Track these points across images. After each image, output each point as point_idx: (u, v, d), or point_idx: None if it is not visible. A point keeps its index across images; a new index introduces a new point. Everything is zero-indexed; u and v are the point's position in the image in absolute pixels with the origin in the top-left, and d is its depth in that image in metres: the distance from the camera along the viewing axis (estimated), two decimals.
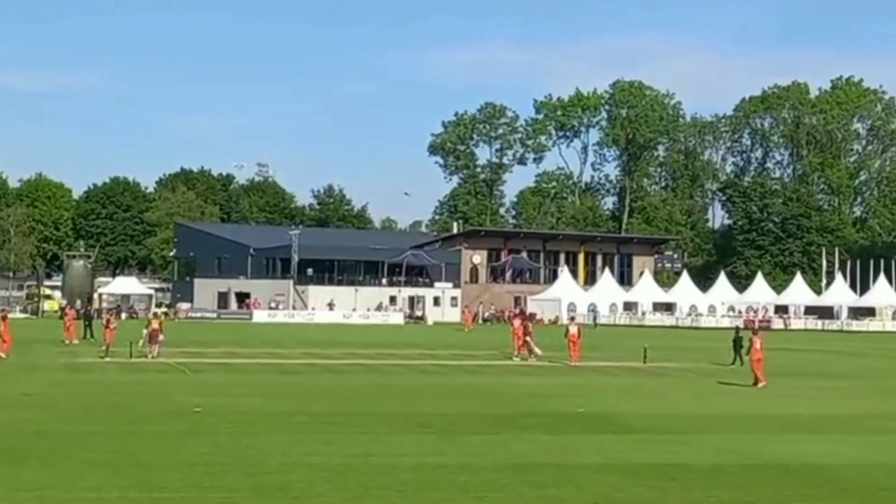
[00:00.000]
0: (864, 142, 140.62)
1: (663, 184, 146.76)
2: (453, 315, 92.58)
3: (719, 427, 22.26)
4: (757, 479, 16.19)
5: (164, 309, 78.25)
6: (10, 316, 43.00)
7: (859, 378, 37.25)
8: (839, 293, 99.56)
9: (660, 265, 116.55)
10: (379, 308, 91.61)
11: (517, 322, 45.31)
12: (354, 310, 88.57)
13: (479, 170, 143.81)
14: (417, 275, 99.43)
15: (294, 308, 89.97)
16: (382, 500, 14.31)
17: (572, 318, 49.64)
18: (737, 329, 43.95)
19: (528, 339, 42.12)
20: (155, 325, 39.21)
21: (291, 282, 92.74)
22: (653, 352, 42.17)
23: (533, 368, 37.67)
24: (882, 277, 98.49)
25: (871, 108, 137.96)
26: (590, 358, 41.22)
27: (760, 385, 31.33)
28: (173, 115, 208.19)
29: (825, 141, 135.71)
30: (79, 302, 75.15)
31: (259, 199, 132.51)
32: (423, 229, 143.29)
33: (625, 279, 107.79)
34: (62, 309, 68.06)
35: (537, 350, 41.83)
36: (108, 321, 40.65)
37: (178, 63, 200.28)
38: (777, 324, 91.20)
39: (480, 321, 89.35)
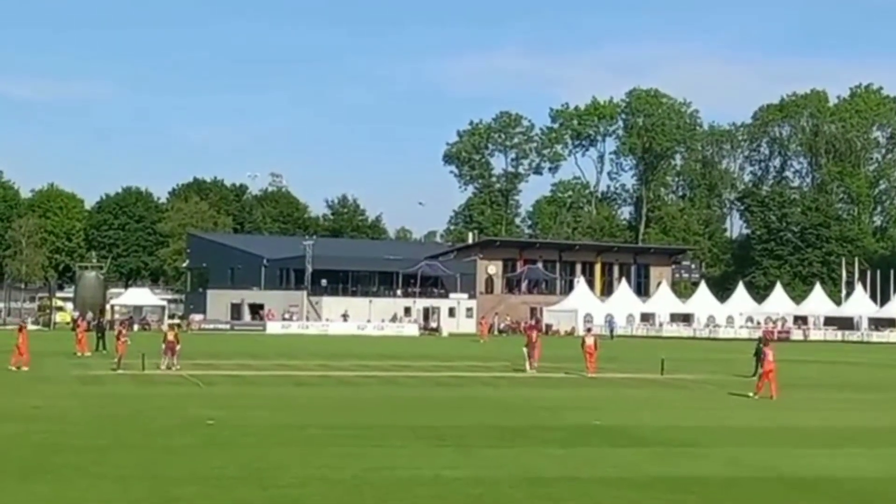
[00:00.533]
0: (883, 150, 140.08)
1: (680, 193, 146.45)
2: (468, 326, 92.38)
3: (737, 440, 21.97)
4: (774, 493, 15.95)
5: (176, 320, 78.19)
6: None
7: (880, 390, 36.83)
8: (859, 304, 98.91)
9: (677, 275, 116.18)
10: (393, 319, 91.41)
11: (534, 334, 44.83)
12: (369, 321, 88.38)
13: (494, 179, 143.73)
14: (432, 285, 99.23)
15: (308, 319, 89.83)
16: None
17: (589, 330, 49.14)
18: (759, 340, 43.55)
19: (524, 349, 41.57)
20: (170, 336, 39.23)
21: (305, 293, 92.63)
22: (670, 363, 41.90)
23: (549, 380, 37.31)
24: None
25: (890, 117, 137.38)
26: (607, 370, 40.89)
27: (756, 396, 30.93)
28: (186, 125, 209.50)
29: (844, 149, 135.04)
30: (91, 313, 75.11)
31: (272, 209, 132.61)
32: (438, 239, 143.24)
33: (642, 290, 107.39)
34: (74, 321, 67.93)
35: (528, 364, 40.70)
36: (119, 333, 40.58)
37: (191, 73, 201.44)
38: (796, 335, 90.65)
39: (496, 332, 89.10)
